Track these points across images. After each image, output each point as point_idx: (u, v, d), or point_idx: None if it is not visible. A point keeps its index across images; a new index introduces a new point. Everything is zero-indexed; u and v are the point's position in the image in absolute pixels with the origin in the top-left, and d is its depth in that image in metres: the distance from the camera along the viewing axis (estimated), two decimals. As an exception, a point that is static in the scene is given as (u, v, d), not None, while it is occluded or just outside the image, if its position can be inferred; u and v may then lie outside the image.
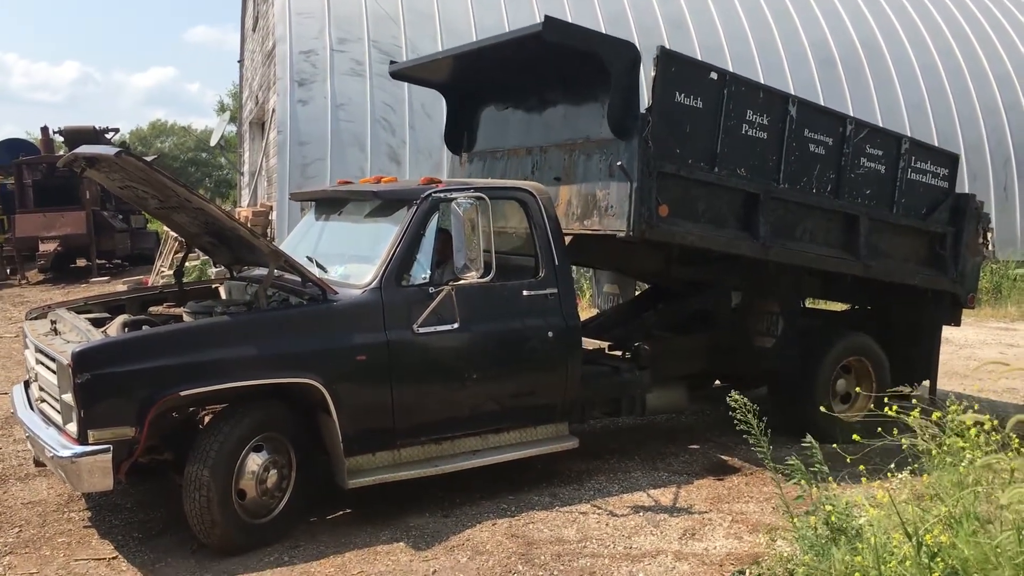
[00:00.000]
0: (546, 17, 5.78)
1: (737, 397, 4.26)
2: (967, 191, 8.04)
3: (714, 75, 6.24)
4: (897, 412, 3.87)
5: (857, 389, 7.22)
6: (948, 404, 3.76)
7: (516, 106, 7.45)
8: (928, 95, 18.13)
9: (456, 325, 5.53)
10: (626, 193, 5.89)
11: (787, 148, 6.56)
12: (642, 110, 5.97)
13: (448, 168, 8.52)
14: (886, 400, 3.98)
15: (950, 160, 7.70)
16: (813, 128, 6.71)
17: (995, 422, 3.72)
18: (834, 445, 4.19)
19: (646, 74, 5.89)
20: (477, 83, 7.68)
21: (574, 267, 7.73)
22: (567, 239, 6.32)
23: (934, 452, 3.68)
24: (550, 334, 5.89)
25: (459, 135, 8.02)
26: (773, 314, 7.31)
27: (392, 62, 8.20)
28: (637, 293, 8.57)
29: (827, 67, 17.78)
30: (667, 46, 5.97)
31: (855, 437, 4.02)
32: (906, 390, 6.20)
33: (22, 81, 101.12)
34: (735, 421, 4.29)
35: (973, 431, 3.60)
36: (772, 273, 7.00)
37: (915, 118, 17.46)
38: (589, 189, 6.27)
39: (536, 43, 5.98)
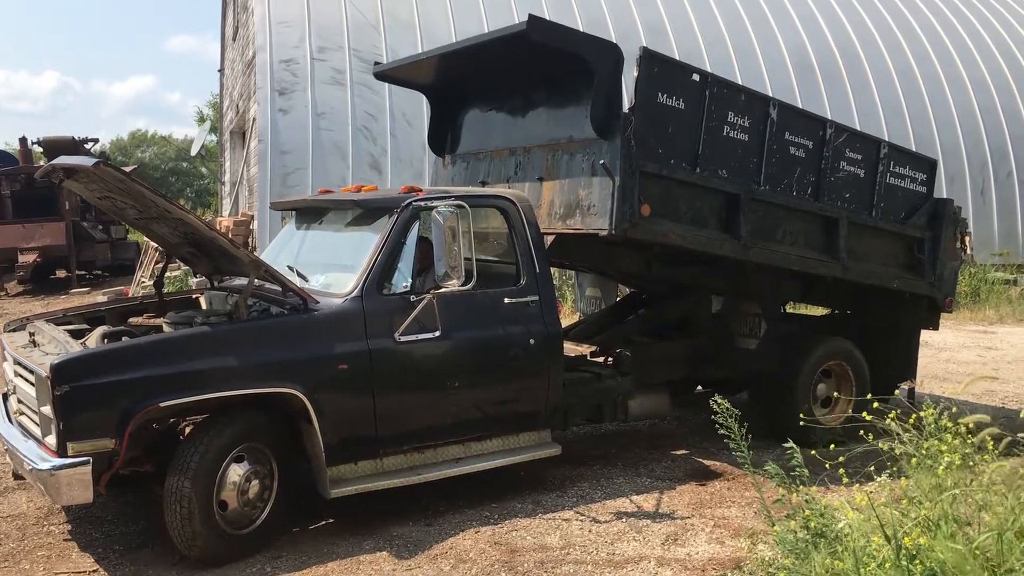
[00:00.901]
0: (530, 16, 5.80)
1: (720, 401, 4.27)
2: (944, 195, 8.13)
3: (696, 76, 6.28)
4: (874, 416, 3.90)
5: (836, 394, 7.26)
6: (924, 407, 3.79)
7: (499, 107, 7.46)
8: (905, 99, 18.31)
9: (438, 333, 5.53)
10: (608, 192, 5.90)
11: (768, 150, 6.60)
12: (624, 110, 6.00)
13: (431, 171, 8.51)
14: (874, 403, 4.01)
15: (928, 165, 7.77)
16: (794, 131, 6.77)
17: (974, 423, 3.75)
18: (813, 452, 4.22)
19: (627, 76, 5.92)
20: (461, 84, 7.68)
21: (557, 270, 7.70)
22: (549, 239, 6.32)
23: (913, 455, 3.71)
24: (532, 341, 5.90)
25: (442, 137, 8.00)
26: (755, 315, 7.35)
27: (376, 63, 8.19)
28: (619, 299, 8.58)
29: (805, 72, 17.92)
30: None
31: (832, 443, 4.04)
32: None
33: (1, 91, 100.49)
34: (717, 426, 4.31)
35: (949, 436, 3.63)
36: (753, 274, 7.03)
37: (892, 122, 17.62)
38: (571, 189, 6.28)
39: (520, 42, 6.00)
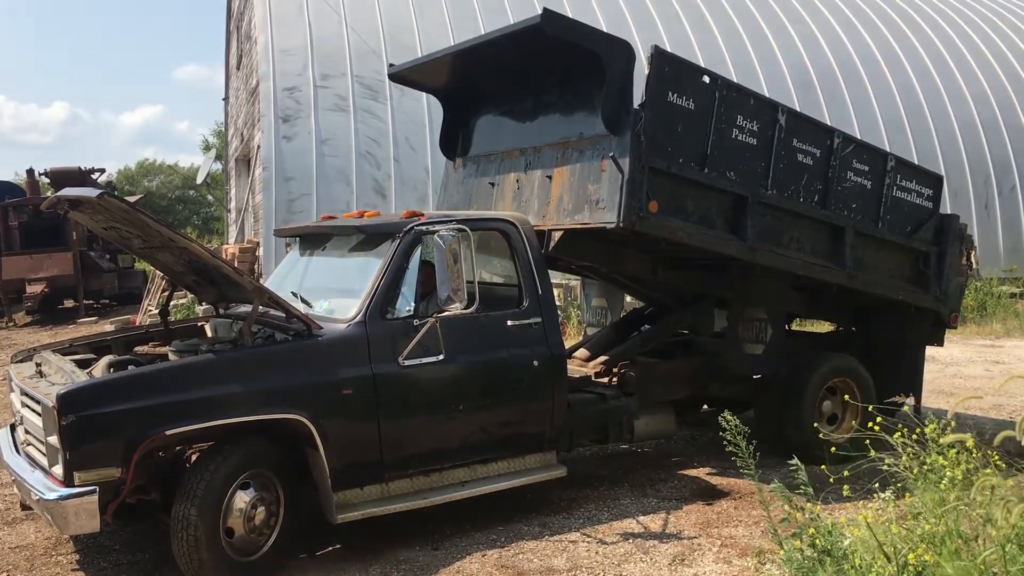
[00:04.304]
0: (544, 9, 5.86)
1: (729, 417, 4.26)
2: (948, 209, 8.14)
3: (706, 78, 6.33)
4: (879, 432, 3.90)
5: (846, 397, 7.22)
6: (928, 423, 3.78)
7: (510, 109, 7.50)
8: (907, 115, 18.35)
9: (441, 356, 5.54)
10: (617, 186, 5.92)
11: (776, 155, 6.63)
12: (635, 107, 6.03)
13: (441, 178, 8.51)
14: (878, 419, 4.00)
15: (934, 181, 7.78)
16: (802, 138, 6.79)
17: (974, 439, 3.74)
18: (823, 468, 4.22)
19: (637, 78, 5.96)
20: (473, 85, 7.72)
21: (560, 291, 7.68)
22: (557, 235, 6.33)
23: (915, 471, 3.71)
24: (535, 363, 5.91)
25: (454, 140, 8.04)
26: (761, 321, 7.32)
27: (391, 64, 8.25)
28: (623, 314, 8.56)
29: (806, 89, 17.99)
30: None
31: (839, 459, 4.03)
32: (900, 399, 6.24)
33: (11, 123, 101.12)
34: (725, 443, 4.30)
35: (952, 451, 3.62)
36: (759, 280, 7.02)
37: (895, 138, 17.65)
38: (581, 184, 6.30)
39: (533, 37, 6.05)
